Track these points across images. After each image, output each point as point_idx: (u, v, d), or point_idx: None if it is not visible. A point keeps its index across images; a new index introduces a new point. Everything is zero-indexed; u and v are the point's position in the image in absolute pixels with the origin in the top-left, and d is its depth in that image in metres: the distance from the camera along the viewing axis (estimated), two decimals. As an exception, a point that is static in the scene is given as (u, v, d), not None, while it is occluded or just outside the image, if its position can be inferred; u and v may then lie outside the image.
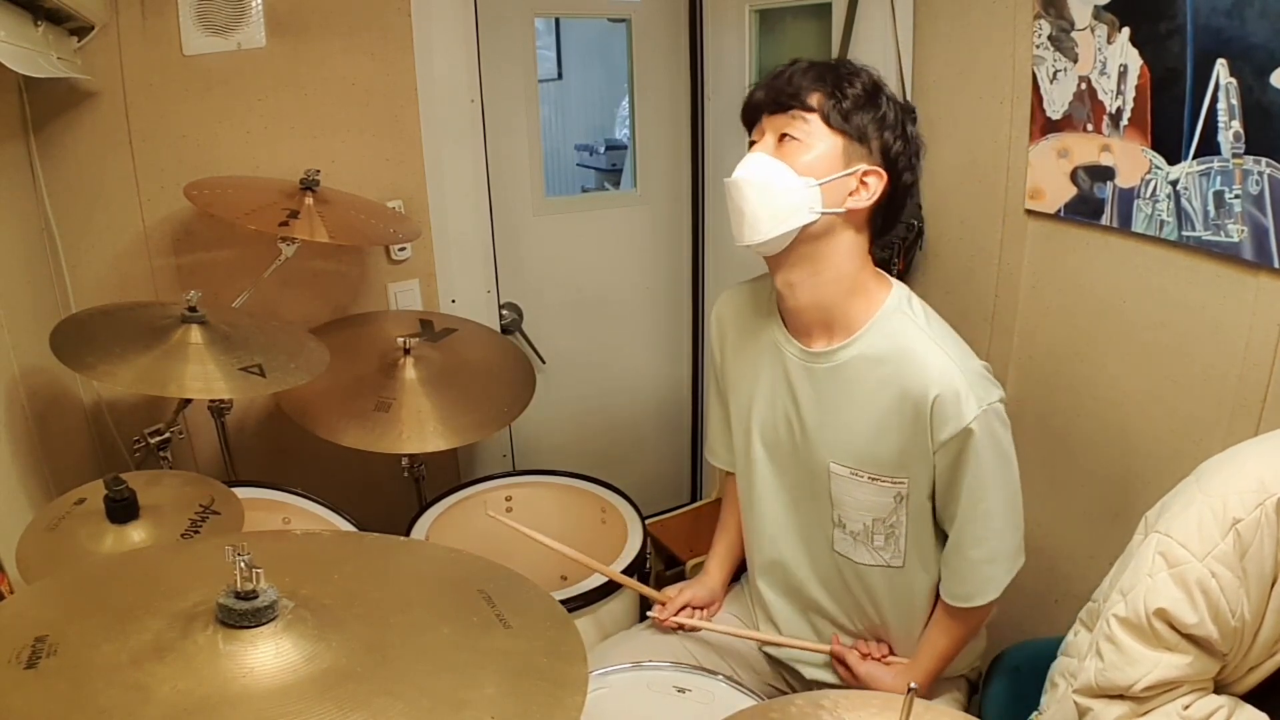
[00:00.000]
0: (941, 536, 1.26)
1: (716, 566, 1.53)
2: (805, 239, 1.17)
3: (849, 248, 1.20)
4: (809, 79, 1.17)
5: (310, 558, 0.89)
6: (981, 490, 1.17)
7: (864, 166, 1.16)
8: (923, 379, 1.14)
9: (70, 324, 1.34)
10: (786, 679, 1.44)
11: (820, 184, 1.15)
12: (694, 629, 1.44)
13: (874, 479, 1.22)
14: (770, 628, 1.43)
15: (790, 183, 1.15)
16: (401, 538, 1.08)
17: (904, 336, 1.18)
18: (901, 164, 1.19)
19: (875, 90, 1.18)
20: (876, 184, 1.17)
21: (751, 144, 1.22)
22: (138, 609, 0.73)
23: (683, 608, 1.47)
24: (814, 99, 1.16)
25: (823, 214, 1.15)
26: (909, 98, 1.74)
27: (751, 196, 1.16)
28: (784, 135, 1.17)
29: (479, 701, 0.69)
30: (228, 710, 0.64)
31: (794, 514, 1.34)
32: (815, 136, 1.16)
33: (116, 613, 0.73)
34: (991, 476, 1.17)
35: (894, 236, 1.59)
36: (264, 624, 0.70)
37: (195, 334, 1.33)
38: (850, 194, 1.17)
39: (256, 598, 0.70)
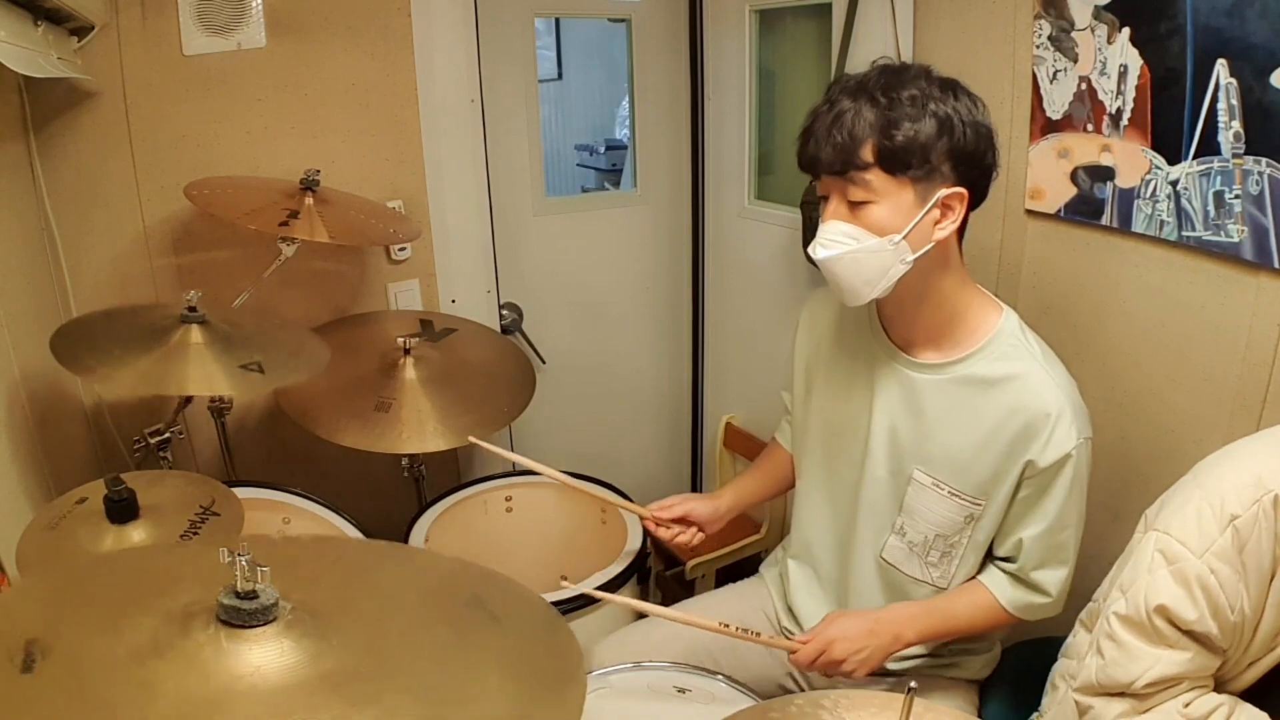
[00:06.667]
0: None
1: (732, 493, 1.53)
2: (905, 280, 1.14)
3: (948, 268, 1.18)
4: (859, 126, 1.08)
5: (299, 563, 0.88)
6: (1065, 519, 1.17)
7: (942, 192, 1.10)
8: (1033, 404, 1.14)
9: (72, 327, 1.34)
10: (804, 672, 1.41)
11: (904, 237, 1.10)
12: (652, 612, 1.31)
13: (954, 494, 1.21)
14: (790, 618, 1.43)
15: (873, 246, 1.10)
16: (388, 544, 1.06)
17: (1018, 363, 1.17)
18: (976, 162, 1.11)
19: (924, 99, 1.08)
20: (959, 203, 1.11)
21: (822, 198, 1.17)
22: (130, 608, 0.72)
23: (681, 519, 1.48)
24: (867, 152, 1.08)
25: (915, 260, 1.12)
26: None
27: (840, 271, 1.13)
28: (852, 202, 1.11)
29: (486, 695, 0.70)
30: (240, 703, 0.64)
31: (851, 515, 1.32)
32: (882, 192, 1.09)
33: (108, 611, 0.73)
34: (1075, 507, 1.17)
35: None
36: (266, 624, 0.70)
37: (195, 334, 1.33)
38: (936, 224, 1.12)
39: (257, 597, 0.70)
